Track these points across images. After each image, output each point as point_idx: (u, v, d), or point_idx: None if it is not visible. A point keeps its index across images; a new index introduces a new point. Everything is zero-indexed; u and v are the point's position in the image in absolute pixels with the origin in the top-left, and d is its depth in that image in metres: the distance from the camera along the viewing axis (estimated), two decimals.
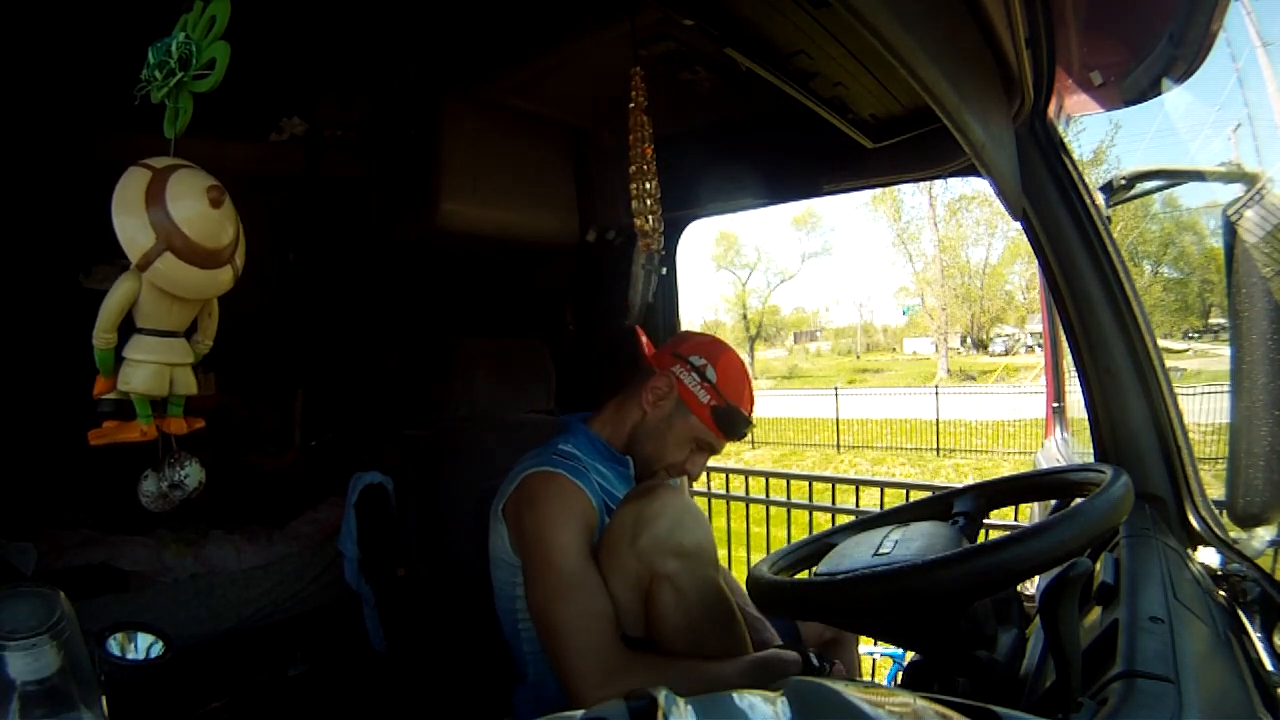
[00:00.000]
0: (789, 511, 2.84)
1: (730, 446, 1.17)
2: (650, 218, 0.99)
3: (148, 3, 0.71)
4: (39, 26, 1.30)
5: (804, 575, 0.86)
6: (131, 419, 0.59)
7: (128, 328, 0.58)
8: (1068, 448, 1.91)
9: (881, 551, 0.72)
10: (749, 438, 1.16)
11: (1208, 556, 0.93)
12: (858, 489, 2.80)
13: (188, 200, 0.55)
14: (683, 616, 0.89)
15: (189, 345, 0.61)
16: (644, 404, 1.08)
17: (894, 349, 29.87)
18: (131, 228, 0.54)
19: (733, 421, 1.05)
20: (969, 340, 25.36)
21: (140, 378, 0.57)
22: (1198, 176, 1.02)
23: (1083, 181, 1.03)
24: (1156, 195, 1.06)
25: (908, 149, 1.12)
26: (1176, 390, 1.02)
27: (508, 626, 1.07)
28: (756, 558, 1.10)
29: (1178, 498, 0.99)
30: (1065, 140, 1.05)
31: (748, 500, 2.93)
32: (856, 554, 0.75)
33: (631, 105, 0.97)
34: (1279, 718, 0.57)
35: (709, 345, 1.09)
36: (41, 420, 2.06)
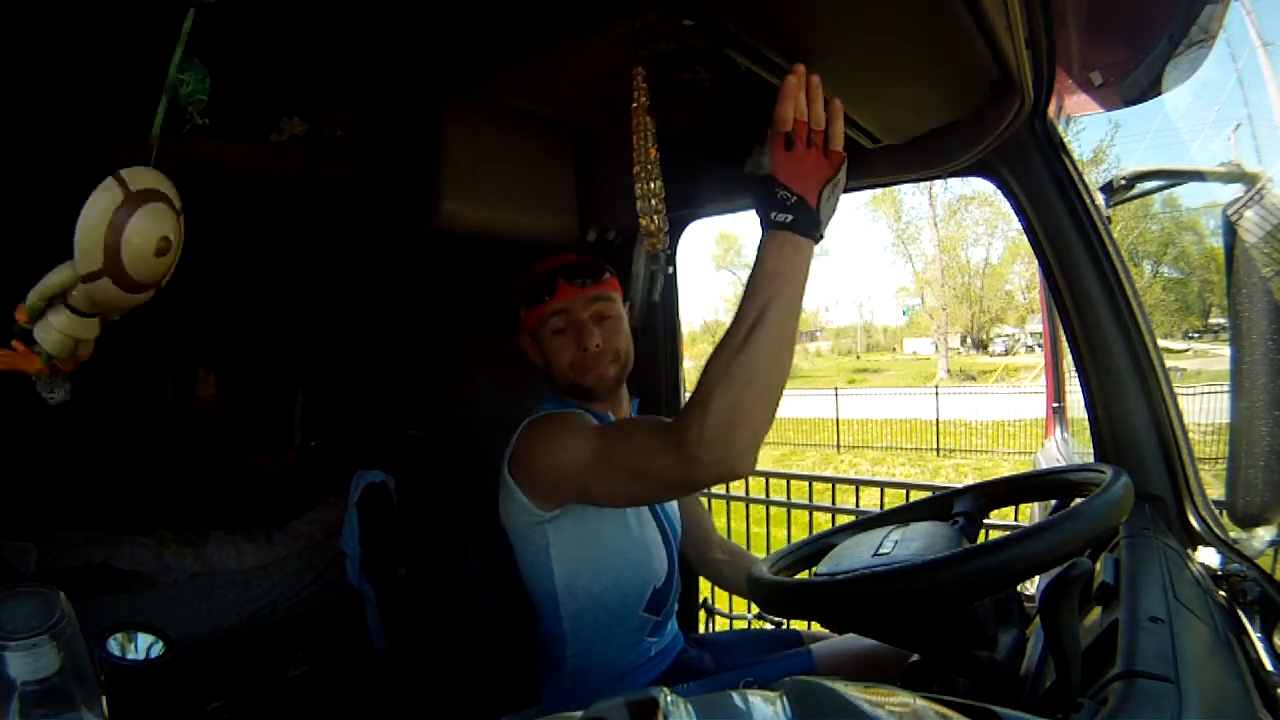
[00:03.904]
0: (789, 511, 2.83)
1: None
2: (655, 218, 0.99)
3: (146, 5, 0.71)
4: (41, 24, 1.30)
5: (804, 575, 0.86)
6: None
7: None
8: (1068, 448, 1.90)
9: (881, 551, 0.72)
10: None
11: (1208, 556, 0.92)
12: (858, 489, 2.80)
13: (139, 243, 0.58)
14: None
15: (99, 323, 0.65)
16: (540, 367, 1.18)
17: (894, 349, 29.87)
18: (88, 245, 0.57)
19: (532, 293, 1.15)
20: (969, 340, 25.35)
21: (51, 341, 0.63)
22: (1198, 176, 1.02)
23: (1083, 181, 1.03)
24: (1156, 195, 1.06)
25: (908, 149, 1.11)
26: (1176, 390, 1.02)
27: (545, 604, 1.06)
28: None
29: (1178, 498, 0.99)
30: (1065, 140, 1.05)
31: (748, 500, 2.92)
32: (856, 554, 0.75)
33: (634, 106, 0.96)
34: (1279, 718, 0.57)
35: (515, 300, 1.19)
36: (42, 420, 2.07)
